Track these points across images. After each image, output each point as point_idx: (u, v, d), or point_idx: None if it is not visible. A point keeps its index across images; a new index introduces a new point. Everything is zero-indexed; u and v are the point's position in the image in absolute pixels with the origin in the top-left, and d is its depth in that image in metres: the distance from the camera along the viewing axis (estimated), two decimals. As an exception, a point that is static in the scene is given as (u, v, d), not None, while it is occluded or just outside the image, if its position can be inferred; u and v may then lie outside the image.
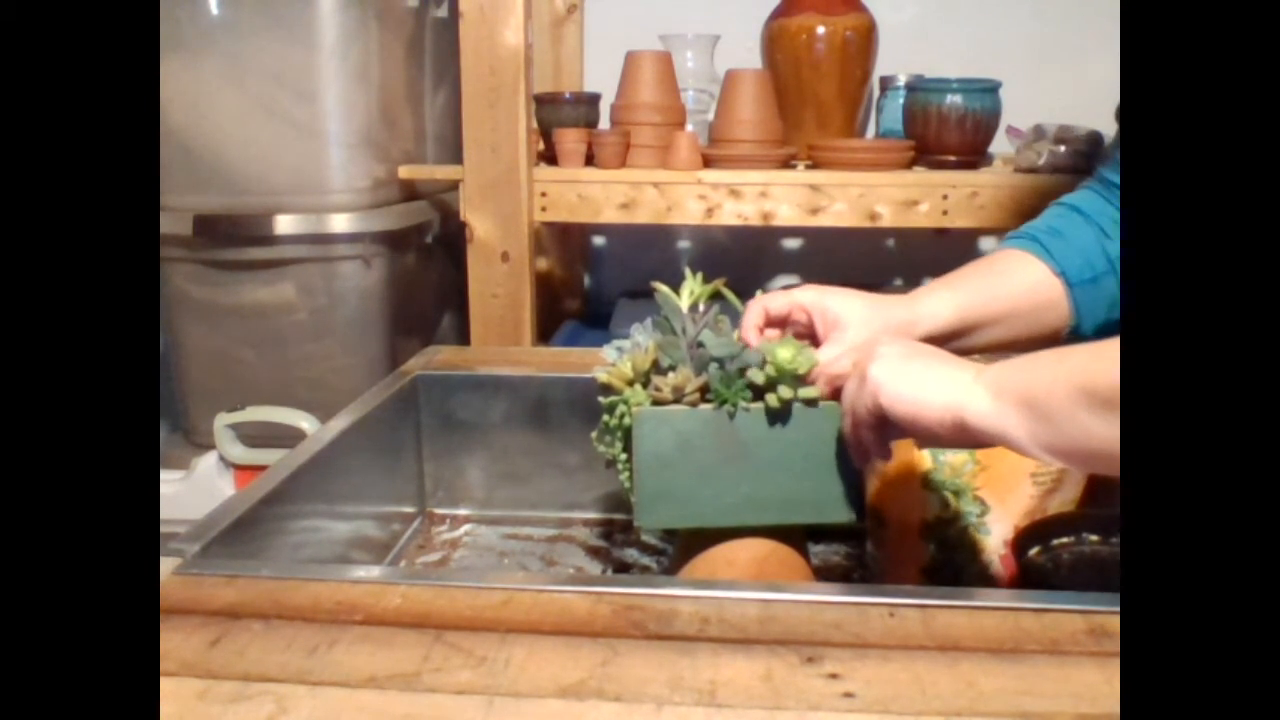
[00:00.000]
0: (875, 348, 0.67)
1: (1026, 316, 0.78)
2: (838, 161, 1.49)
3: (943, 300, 0.78)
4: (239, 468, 1.38)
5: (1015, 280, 0.79)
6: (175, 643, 0.55)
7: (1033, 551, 0.73)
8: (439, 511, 1.09)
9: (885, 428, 0.66)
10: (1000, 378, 0.60)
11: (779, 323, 0.79)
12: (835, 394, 0.72)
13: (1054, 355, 0.58)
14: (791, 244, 2.00)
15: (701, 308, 0.77)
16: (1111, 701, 0.49)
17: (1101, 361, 0.54)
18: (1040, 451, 0.58)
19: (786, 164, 1.52)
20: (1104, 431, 0.53)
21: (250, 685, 0.51)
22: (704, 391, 0.74)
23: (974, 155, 1.50)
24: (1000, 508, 0.80)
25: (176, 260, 1.48)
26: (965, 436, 0.61)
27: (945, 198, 1.45)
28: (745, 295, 0.80)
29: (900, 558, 0.83)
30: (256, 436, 1.39)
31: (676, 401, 0.73)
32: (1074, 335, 0.79)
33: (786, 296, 0.78)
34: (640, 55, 1.52)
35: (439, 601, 0.59)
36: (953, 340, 0.78)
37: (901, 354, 0.65)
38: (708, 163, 1.50)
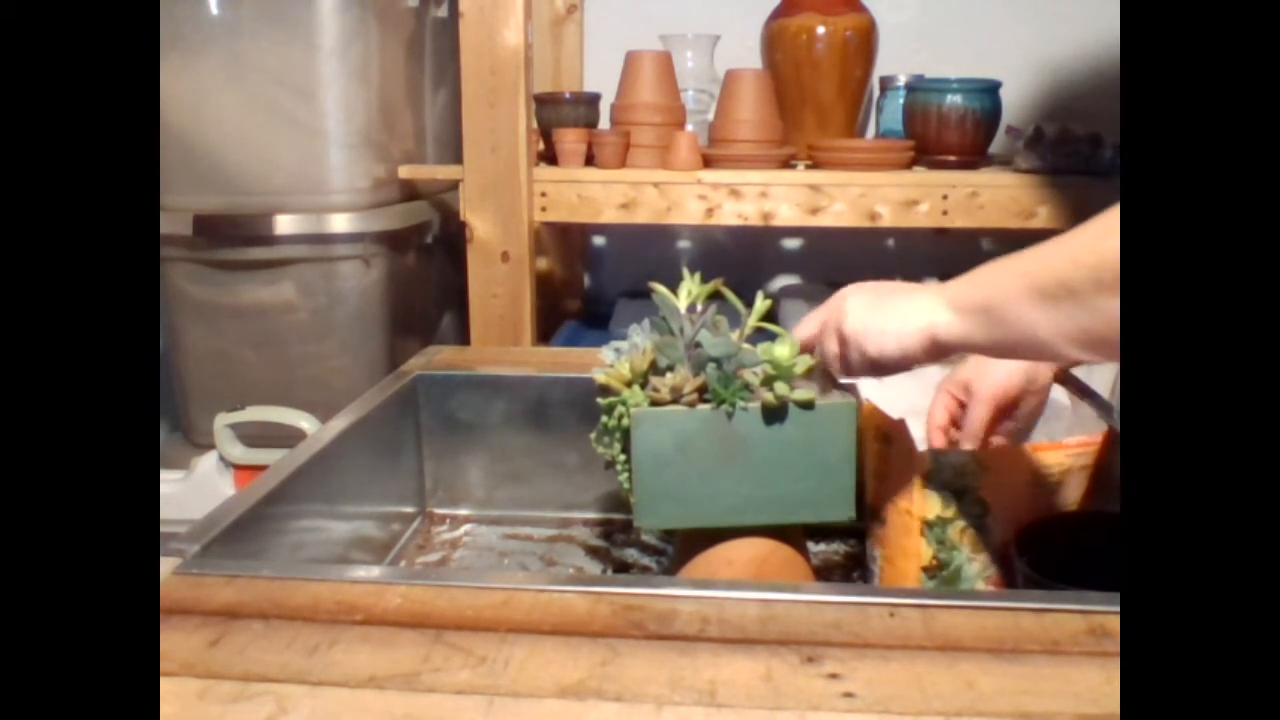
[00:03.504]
0: (842, 303, 0.71)
1: None
2: (838, 161, 1.49)
3: None
4: (239, 468, 1.38)
5: None
6: (175, 643, 0.55)
7: (1033, 552, 0.73)
8: (439, 511, 1.09)
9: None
10: (959, 293, 0.65)
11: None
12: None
13: (1004, 261, 0.63)
14: (791, 244, 2.00)
15: (699, 308, 0.77)
16: (1111, 701, 0.49)
17: (1043, 259, 0.59)
18: (1000, 352, 0.66)
19: (786, 164, 1.52)
20: (1050, 323, 0.58)
21: (250, 685, 0.51)
22: (702, 392, 0.74)
23: (974, 155, 1.50)
24: (1000, 508, 0.80)
25: (176, 260, 1.48)
26: (942, 352, 0.67)
27: (945, 198, 1.45)
28: (745, 295, 0.80)
29: (900, 558, 0.83)
30: (256, 436, 1.39)
31: (675, 402, 0.73)
32: None
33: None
34: (640, 55, 1.52)
35: (439, 601, 0.59)
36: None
37: (868, 302, 0.70)
38: (708, 163, 1.49)
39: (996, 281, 0.62)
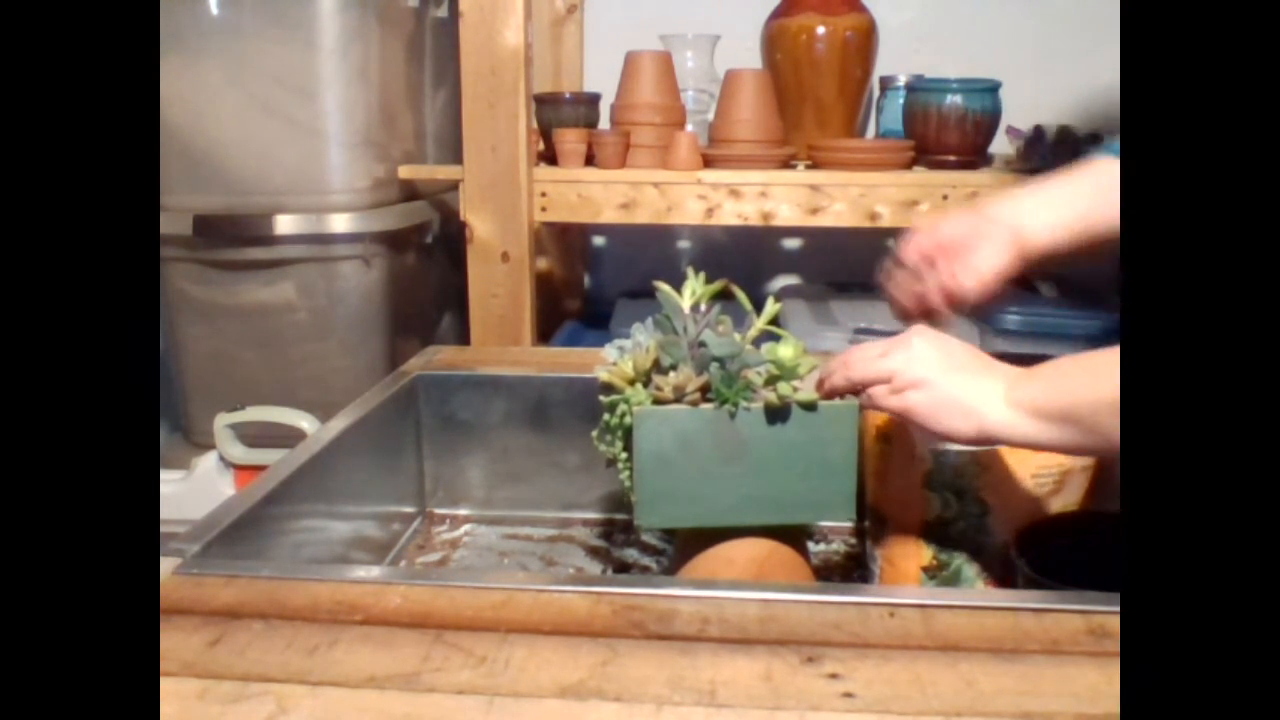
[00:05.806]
0: (912, 363, 0.68)
1: None
2: (838, 161, 1.49)
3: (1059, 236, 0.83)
4: (239, 468, 1.38)
5: None
6: (175, 643, 0.55)
7: (1033, 552, 0.73)
8: (439, 511, 1.09)
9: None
10: (1035, 397, 0.63)
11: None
12: (830, 395, 0.73)
13: (1085, 368, 0.62)
14: (791, 244, 2.00)
15: (703, 307, 0.77)
16: (1111, 701, 0.49)
17: None
18: (1084, 455, 0.67)
19: (786, 164, 1.52)
20: None
21: (250, 685, 0.51)
22: (705, 391, 0.74)
23: (974, 155, 1.50)
24: (1001, 508, 0.80)
25: (176, 260, 1.48)
26: (998, 444, 0.68)
27: (945, 198, 1.45)
28: (745, 295, 0.80)
29: (900, 558, 0.83)
30: (256, 436, 1.39)
31: (677, 401, 0.73)
32: None
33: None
34: (640, 55, 1.52)
35: (439, 601, 0.59)
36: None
37: (939, 369, 0.67)
38: (708, 163, 1.49)
39: (1079, 389, 0.61)
